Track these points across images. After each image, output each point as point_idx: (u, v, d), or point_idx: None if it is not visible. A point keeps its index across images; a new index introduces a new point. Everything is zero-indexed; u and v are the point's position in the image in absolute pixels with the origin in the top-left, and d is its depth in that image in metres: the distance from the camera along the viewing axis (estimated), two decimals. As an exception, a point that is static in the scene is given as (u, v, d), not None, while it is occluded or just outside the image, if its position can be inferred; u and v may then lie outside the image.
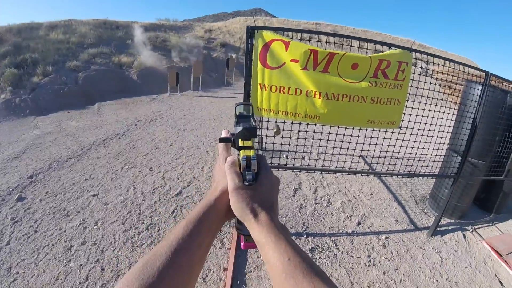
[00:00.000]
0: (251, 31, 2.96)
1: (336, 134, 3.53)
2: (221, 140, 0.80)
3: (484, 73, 3.95)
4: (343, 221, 4.56)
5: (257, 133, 0.78)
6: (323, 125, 3.43)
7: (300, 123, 3.39)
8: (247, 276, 3.30)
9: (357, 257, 3.88)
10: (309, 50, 2.90)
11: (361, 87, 3.10)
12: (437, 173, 4.63)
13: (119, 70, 13.70)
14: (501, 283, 4.30)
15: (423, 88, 3.83)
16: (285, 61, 2.95)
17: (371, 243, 4.22)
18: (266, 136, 3.64)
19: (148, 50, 15.95)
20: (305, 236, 4.05)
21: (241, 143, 0.75)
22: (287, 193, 4.97)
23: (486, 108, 4.11)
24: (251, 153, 0.72)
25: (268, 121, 3.47)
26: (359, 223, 4.59)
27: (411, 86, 3.65)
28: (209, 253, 3.48)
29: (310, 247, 3.85)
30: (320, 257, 3.72)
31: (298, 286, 0.52)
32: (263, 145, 6.01)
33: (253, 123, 0.80)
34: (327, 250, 3.88)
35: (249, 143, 0.75)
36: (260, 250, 0.62)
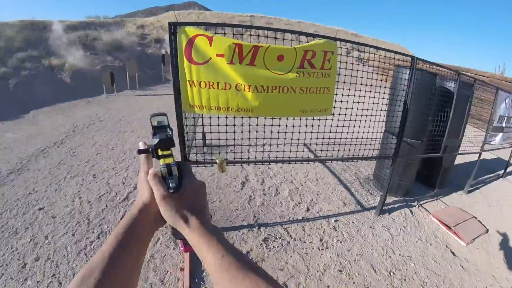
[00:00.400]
0: (174, 28, 2.87)
1: (279, 126, 3.59)
2: (140, 151, 0.79)
3: (410, 58, 4.19)
4: (293, 209, 4.70)
5: (174, 143, 0.78)
6: (257, 118, 3.47)
7: (242, 117, 3.45)
8: (204, 273, 3.30)
9: (310, 242, 4.02)
10: (233, 44, 2.88)
11: (289, 78, 3.14)
12: (376, 155, 4.87)
13: (51, 73, 12.97)
14: (453, 253, 4.61)
15: (357, 76, 4.01)
16: (210, 56, 2.91)
17: (322, 227, 4.39)
18: (211, 132, 3.63)
19: (79, 50, 15.21)
20: (257, 227, 4.13)
21: (160, 152, 0.77)
22: (235, 187, 5.02)
23: (416, 90, 4.36)
24: (170, 160, 0.76)
25: (210, 118, 3.49)
26: (308, 209, 4.75)
27: (345, 75, 3.85)
28: (163, 254, 3.48)
29: (263, 238, 3.93)
30: (274, 246, 3.82)
31: (233, 278, 0.58)
32: (207, 141, 6.01)
33: (170, 133, 0.81)
34: (280, 238, 3.99)
35: (168, 152, 0.78)
36: (197, 252, 0.67)
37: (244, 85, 3.02)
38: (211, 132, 3.62)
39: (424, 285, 3.83)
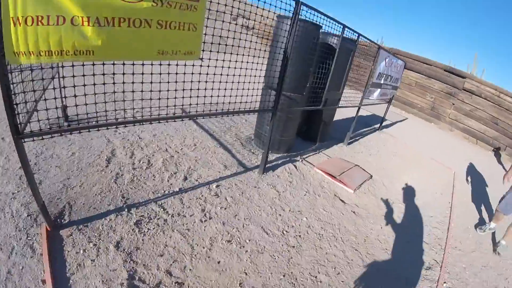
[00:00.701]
0: None
1: (151, 91, 2.94)
2: None
3: (294, 2, 3.72)
4: (168, 180, 4.08)
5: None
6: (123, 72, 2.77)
7: (104, 74, 2.71)
8: (71, 280, 2.57)
9: (191, 215, 3.53)
10: None
11: (142, 8, 2.41)
12: (255, 109, 4.48)
13: None
14: (342, 201, 4.67)
15: (239, 38, 3.74)
16: None
17: (202, 196, 3.92)
18: (76, 106, 2.80)
19: None
20: (126, 210, 3.39)
21: None
22: (100, 165, 4.08)
23: (297, 41, 4.07)
24: None
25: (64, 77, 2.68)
26: (185, 178, 4.20)
27: (228, 37, 3.42)
28: (21, 267, 2.46)
29: (135, 221, 3.26)
30: (149, 229, 3.20)
31: None
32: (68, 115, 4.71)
33: None
34: (155, 218, 3.38)
35: None
36: None
37: (82, 18, 2.19)
38: (76, 106, 2.77)
39: (321, 237, 3.73)
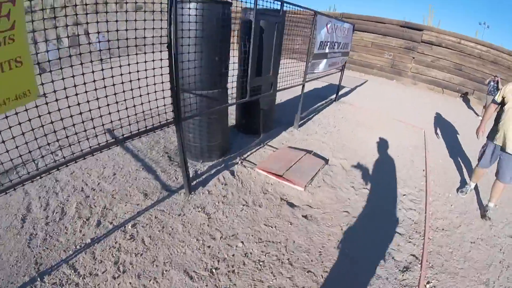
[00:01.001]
0: None
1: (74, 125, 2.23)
2: None
3: None
4: (80, 231, 3.25)
5: None
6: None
7: (20, 124, 2.26)
8: None
9: (103, 272, 2.76)
10: None
11: None
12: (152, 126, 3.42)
13: None
14: (291, 204, 3.92)
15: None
16: None
17: (116, 243, 3.12)
18: None
19: None
20: (39, 279, 2.65)
21: None
22: (15, 227, 3.25)
23: (197, 27, 3.44)
24: None
25: None
26: (99, 223, 3.36)
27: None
28: None
29: None
30: None
31: None
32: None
33: None
34: (67, 283, 2.63)
35: None
36: None
37: None
38: None
39: (261, 267, 2.97)
